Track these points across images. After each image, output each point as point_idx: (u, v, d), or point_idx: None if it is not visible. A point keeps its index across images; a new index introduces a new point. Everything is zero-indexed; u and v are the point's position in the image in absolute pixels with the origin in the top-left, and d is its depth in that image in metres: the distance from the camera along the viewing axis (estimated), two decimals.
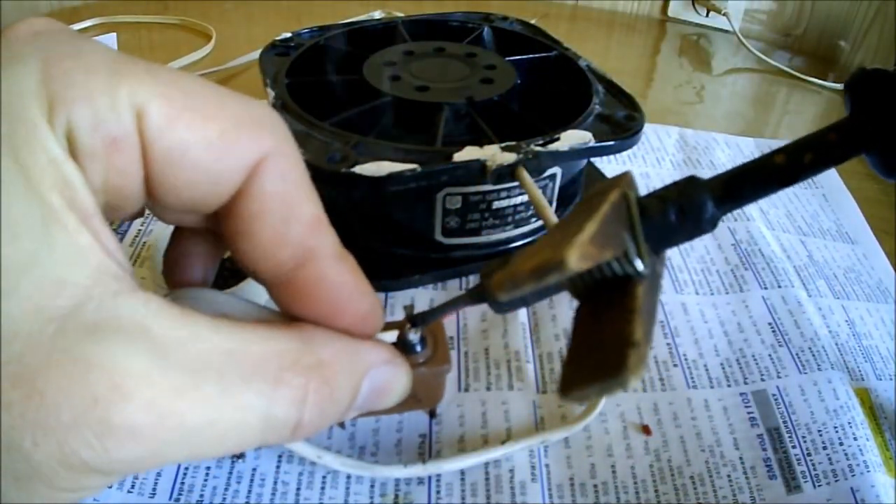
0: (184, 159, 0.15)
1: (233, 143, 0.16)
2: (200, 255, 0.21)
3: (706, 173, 0.53)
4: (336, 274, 0.18)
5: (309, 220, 0.17)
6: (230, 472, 0.27)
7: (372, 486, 0.27)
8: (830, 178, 0.50)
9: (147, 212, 0.19)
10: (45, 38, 0.15)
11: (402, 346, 0.24)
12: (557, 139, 0.34)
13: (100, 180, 0.15)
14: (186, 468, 0.27)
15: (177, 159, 0.15)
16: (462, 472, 0.28)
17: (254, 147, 0.16)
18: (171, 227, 0.36)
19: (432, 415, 0.29)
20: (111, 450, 0.13)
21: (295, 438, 0.17)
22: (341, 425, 0.29)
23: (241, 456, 0.27)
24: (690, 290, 0.38)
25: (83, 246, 0.14)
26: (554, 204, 0.38)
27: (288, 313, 0.19)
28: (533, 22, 0.50)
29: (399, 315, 0.35)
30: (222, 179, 0.16)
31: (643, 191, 0.19)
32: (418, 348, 0.24)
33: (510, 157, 0.33)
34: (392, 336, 0.24)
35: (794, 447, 0.29)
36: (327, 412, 0.17)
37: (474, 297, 0.20)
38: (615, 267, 0.17)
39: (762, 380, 0.33)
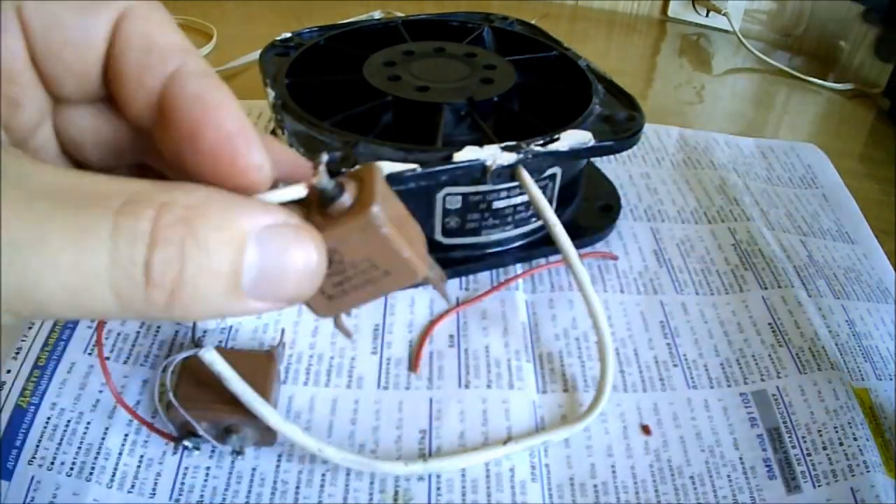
0: (54, 24, 0.18)
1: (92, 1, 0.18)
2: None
3: (707, 173, 0.53)
4: (199, 87, 0.18)
5: (170, 46, 0.19)
6: (230, 472, 0.27)
7: (371, 483, 0.27)
8: (830, 178, 0.50)
9: None
10: None
11: (317, 199, 0.17)
12: (557, 139, 0.34)
13: None
14: (186, 468, 0.27)
15: (50, 27, 0.18)
16: (462, 471, 0.28)
17: (112, 2, 0.18)
18: None
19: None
20: None
21: (165, 304, 0.15)
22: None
23: (240, 453, 0.27)
24: (690, 290, 0.38)
25: None
26: (554, 204, 0.38)
27: (165, 155, 0.18)
28: (533, 22, 0.50)
29: (399, 331, 0.35)
30: (90, 34, 0.18)
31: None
32: (341, 197, 0.17)
33: (510, 157, 0.33)
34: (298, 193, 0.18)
35: (793, 447, 0.29)
36: (200, 275, 0.15)
37: None
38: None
39: (762, 380, 0.33)
